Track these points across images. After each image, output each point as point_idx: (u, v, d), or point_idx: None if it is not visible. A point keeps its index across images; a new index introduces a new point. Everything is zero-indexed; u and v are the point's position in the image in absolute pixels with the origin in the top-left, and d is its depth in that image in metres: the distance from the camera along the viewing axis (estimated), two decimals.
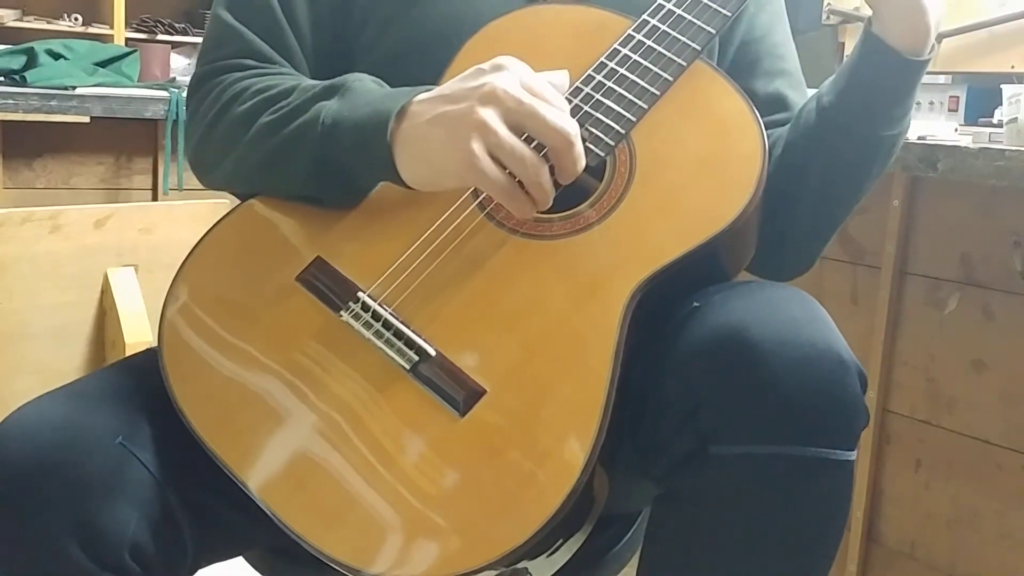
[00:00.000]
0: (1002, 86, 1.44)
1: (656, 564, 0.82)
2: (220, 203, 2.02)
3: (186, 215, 2.26)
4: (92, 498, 0.76)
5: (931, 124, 1.61)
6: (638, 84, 0.87)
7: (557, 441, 0.75)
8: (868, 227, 1.63)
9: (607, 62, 0.88)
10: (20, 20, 3.18)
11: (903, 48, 0.85)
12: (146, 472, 0.79)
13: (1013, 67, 1.58)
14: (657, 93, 0.87)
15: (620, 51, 0.89)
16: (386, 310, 0.82)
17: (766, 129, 0.90)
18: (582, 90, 0.87)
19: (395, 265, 0.84)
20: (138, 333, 2.12)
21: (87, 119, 2.54)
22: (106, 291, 2.19)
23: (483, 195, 0.85)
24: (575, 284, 0.81)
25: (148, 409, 0.82)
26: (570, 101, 0.87)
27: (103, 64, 2.83)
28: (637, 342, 0.79)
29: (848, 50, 1.71)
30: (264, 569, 1.00)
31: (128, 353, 1.41)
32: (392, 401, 0.79)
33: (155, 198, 2.81)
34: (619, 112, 0.86)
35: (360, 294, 0.82)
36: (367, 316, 0.82)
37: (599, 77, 0.88)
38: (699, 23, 0.88)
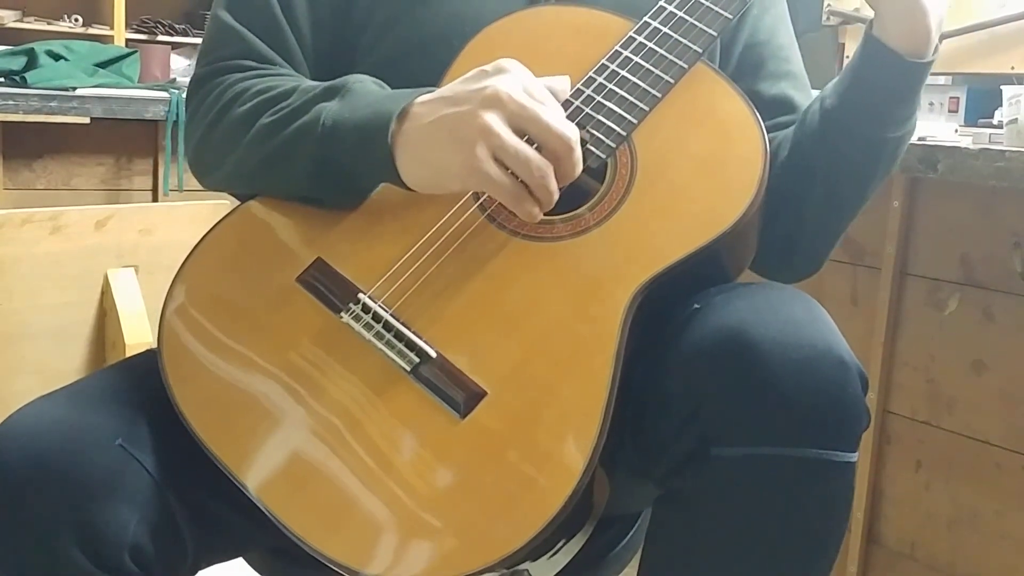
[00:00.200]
0: (1002, 87, 1.44)
1: (657, 565, 0.82)
2: (220, 204, 2.02)
3: (186, 216, 2.26)
4: (92, 499, 0.76)
5: (931, 125, 1.61)
6: (639, 86, 0.87)
7: (557, 443, 0.75)
8: (868, 228, 1.63)
9: (608, 64, 0.88)
10: (20, 21, 3.17)
11: (904, 50, 0.85)
12: (145, 473, 0.79)
13: (1013, 68, 1.58)
14: (658, 95, 0.87)
15: (621, 53, 0.89)
16: (387, 312, 0.82)
17: (771, 131, 0.90)
18: (583, 92, 0.87)
19: (396, 266, 0.84)
20: (138, 334, 2.12)
21: (87, 120, 2.54)
22: (106, 292, 2.19)
23: (484, 196, 0.85)
24: (576, 286, 0.81)
25: (148, 410, 0.82)
26: (571, 103, 0.87)
27: (103, 65, 2.83)
28: (638, 344, 0.79)
29: (848, 51, 1.71)
30: (264, 570, 1.00)
31: (128, 354, 1.41)
32: (392, 403, 0.79)
33: (155, 199, 2.81)
34: (620, 114, 0.86)
35: (361, 295, 0.82)
36: (368, 318, 0.82)
37: (600, 79, 0.88)
38: (700, 25, 0.88)
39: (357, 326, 0.81)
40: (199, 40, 3.22)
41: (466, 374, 0.79)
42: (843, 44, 1.83)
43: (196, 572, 0.86)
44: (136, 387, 0.85)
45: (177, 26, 3.37)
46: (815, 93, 0.96)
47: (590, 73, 0.88)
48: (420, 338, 0.80)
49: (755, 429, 0.73)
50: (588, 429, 0.75)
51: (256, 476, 0.79)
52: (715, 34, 0.88)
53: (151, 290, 2.15)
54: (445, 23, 0.94)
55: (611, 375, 0.76)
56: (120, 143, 2.78)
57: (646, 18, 0.90)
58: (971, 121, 1.64)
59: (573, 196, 0.84)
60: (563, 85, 0.85)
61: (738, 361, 0.74)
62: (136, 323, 2.14)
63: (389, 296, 0.83)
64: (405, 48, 0.94)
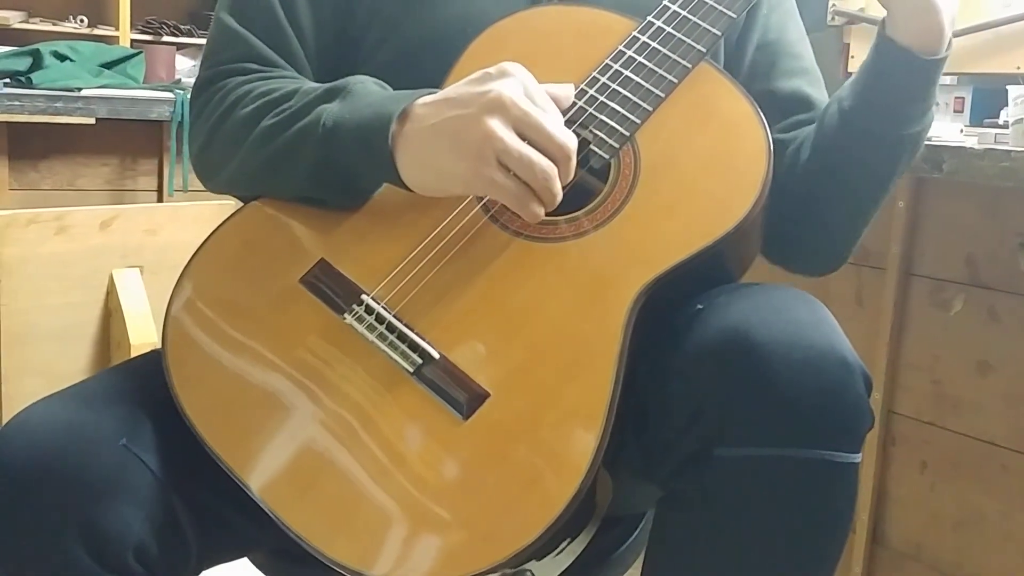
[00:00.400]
0: (1007, 87, 1.43)
1: (660, 566, 0.82)
2: (225, 204, 2.03)
3: (191, 216, 2.27)
4: (95, 499, 0.76)
5: (936, 125, 1.60)
6: (643, 86, 0.87)
7: (561, 443, 0.75)
8: (873, 228, 1.62)
9: (612, 64, 0.88)
10: (26, 22, 3.18)
11: (917, 48, 0.85)
12: (149, 473, 0.79)
13: (1019, 68, 1.57)
14: (662, 95, 0.86)
15: (625, 53, 0.89)
16: (389, 313, 0.82)
17: (789, 129, 0.91)
18: (586, 92, 0.87)
19: (399, 267, 0.84)
20: (143, 334, 2.13)
21: (93, 120, 2.54)
22: (111, 292, 2.19)
23: (487, 198, 0.85)
24: (579, 287, 0.81)
25: (151, 411, 0.82)
26: (574, 103, 0.87)
27: (108, 66, 2.83)
28: (641, 344, 0.79)
29: (853, 51, 1.71)
30: (268, 570, 1.00)
31: (133, 354, 1.41)
32: (396, 404, 0.79)
33: (160, 199, 2.82)
34: (623, 114, 0.86)
35: (364, 296, 0.82)
36: (371, 319, 0.82)
37: (604, 79, 0.88)
38: (704, 25, 0.88)
39: (360, 327, 0.81)
40: (204, 41, 3.22)
41: (469, 375, 0.79)
42: (847, 44, 1.82)
43: (200, 572, 0.86)
44: (140, 387, 0.85)
45: (182, 27, 3.37)
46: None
47: (593, 73, 0.88)
48: (423, 339, 0.80)
49: (758, 430, 0.73)
50: (592, 428, 0.75)
51: (259, 477, 0.79)
52: (719, 33, 0.88)
53: (156, 290, 2.16)
54: (449, 23, 0.94)
55: (615, 375, 0.76)
56: (125, 144, 2.78)
57: (650, 18, 0.90)
58: (976, 121, 1.63)
59: (577, 196, 0.84)
60: (566, 92, 0.85)
61: (741, 362, 0.73)
62: (141, 323, 2.15)
63: (392, 297, 0.83)
64: (409, 48, 0.94)
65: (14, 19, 3.12)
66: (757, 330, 0.74)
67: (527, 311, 0.81)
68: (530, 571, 0.80)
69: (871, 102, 0.88)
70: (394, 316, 0.81)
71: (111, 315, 2.20)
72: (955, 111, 1.68)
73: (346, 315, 0.82)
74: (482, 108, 0.77)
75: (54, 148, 2.68)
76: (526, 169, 0.77)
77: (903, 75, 0.86)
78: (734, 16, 0.88)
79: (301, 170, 0.86)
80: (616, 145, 0.85)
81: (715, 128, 0.86)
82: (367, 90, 0.86)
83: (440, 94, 0.82)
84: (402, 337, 0.80)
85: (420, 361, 0.80)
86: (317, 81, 0.93)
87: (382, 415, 0.79)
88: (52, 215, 2.14)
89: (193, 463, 0.81)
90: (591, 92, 0.87)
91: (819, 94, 1.00)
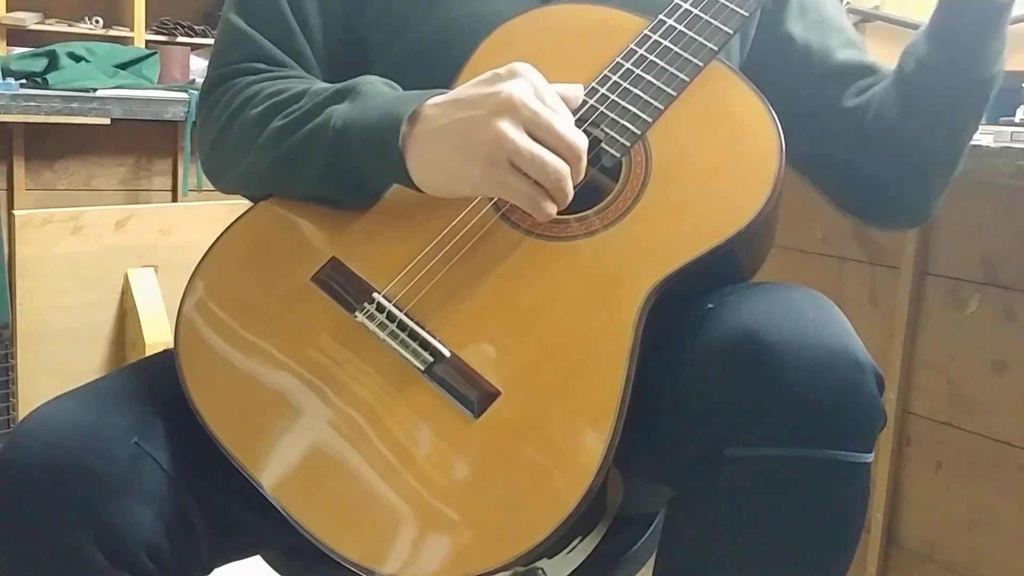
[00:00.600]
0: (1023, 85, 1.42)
1: (671, 566, 0.81)
2: (239, 204, 2.04)
3: (205, 216, 2.28)
4: (108, 497, 0.76)
5: None
6: (654, 85, 0.87)
7: (572, 441, 0.75)
8: None
9: (623, 62, 0.88)
10: (42, 23, 3.20)
11: None
12: (161, 472, 0.79)
13: None
14: (673, 94, 0.86)
15: (636, 51, 0.88)
16: (401, 311, 0.82)
17: (860, 94, 0.95)
18: (598, 91, 0.87)
19: (410, 266, 0.84)
20: (158, 333, 2.14)
21: (108, 121, 2.56)
22: (126, 291, 2.21)
23: (497, 197, 0.85)
24: (590, 285, 0.81)
25: (163, 409, 0.83)
26: (585, 102, 0.86)
27: (124, 66, 2.85)
28: (652, 343, 0.79)
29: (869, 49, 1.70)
30: (281, 568, 1.00)
31: (148, 353, 1.41)
32: (407, 402, 0.79)
33: (175, 199, 2.83)
34: (635, 113, 0.86)
35: (375, 295, 0.82)
36: (382, 317, 0.82)
37: (615, 77, 0.88)
38: (716, 23, 0.88)
39: (371, 325, 0.81)
40: None
41: (480, 373, 0.79)
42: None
43: (212, 570, 0.87)
44: (152, 386, 0.85)
45: (196, 27, 3.38)
46: None
47: (605, 71, 0.88)
48: (434, 337, 0.80)
49: (769, 429, 0.73)
50: (602, 428, 0.74)
51: (271, 474, 0.80)
52: (731, 32, 0.88)
53: (170, 290, 2.17)
54: (458, 22, 0.94)
55: (625, 374, 0.76)
56: (140, 144, 2.79)
57: (661, 16, 0.89)
58: (992, 119, 1.62)
59: (588, 195, 0.84)
60: (576, 92, 0.85)
61: (752, 361, 0.73)
62: (156, 322, 2.16)
63: (403, 295, 0.83)
64: (418, 48, 0.94)
65: (30, 20, 3.14)
66: (768, 329, 0.74)
67: (538, 310, 0.81)
68: (541, 569, 0.80)
69: (948, 44, 0.91)
70: (405, 314, 0.81)
71: (126, 314, 2.21)
72: None
73: (357, 313, 0.82)
74: (492, 109, 0.77)
75: (70, 148, 2.70)
76: (538, 169, 0.77)
77: (975, 10, 0.89)
78: (746, 14, 0.88)
79: (311, 171, 0.86)
80: (627, 143, 0.85)
81: (727, 126, 0.86)
82: (377, 91, 0.86)
83: (450, 95, 0.82)
84: (413, 335, 0.81)
85: (431, 359, 0.80)
86: (326, 81, 0.93)
87: (392, 413, 0.79)
88: (67, 215, 2.16)
89: (205, 461, 0.81)
90: (602, 90, 0.87)
91: (874, 58, 1.03)
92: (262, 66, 0.94)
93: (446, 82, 0.88)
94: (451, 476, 0.77)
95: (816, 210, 1.67)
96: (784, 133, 0.83)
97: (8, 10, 3.14)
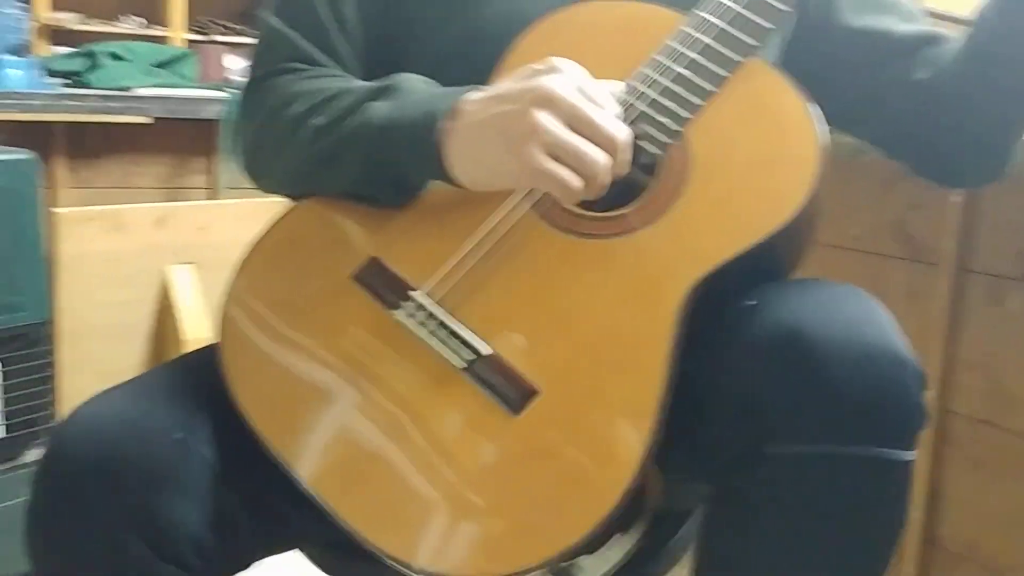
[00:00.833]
0: None
1: (710, 562, 0.81)
2: (275, 202, 2.05)
3: (243, 213, 2.29)
4: (154, 492, 0.77)
5: None
6: (692, 81, 0.86)
7: (611, 440, 0.75)
8: (926, 223, 1.60)
9: (661, 59, 0.88)
10: (82, 23, 3.24)
11: None
12: (205, 466, 0.80)
13: None
14: (712, 90, 0.86)
15: (673, 47, 0.88)
16: (440, 309, 0.82)
17: (922, 65, 0.95)
18: (636, 87, 0.87)
19: (449, 264, 0.84)
20: (197, 330, 2.16)
21: (147, 119, 2.58)
22: (165, 288, 2.23)
23: (538, 195, 0.85)
24: (630, 284, 0.81)
25: (207, 404, 0.84)
26: (624, 99, 0.86)
27: (162, 65, 2.88)
28: (691, 340, 0.79)
29: None
30: (320, 563, 1.01)
31: (187, 350, 1.43)
32: (446, 400, 0.80)
33: (213, 197, 2.85)
34: (674, 109, 0.85)
35: (414, 293, 0.83)
36: (421, 315, 0.82)
37: (653, 74, 0.87)
38: (755, 18, 0.87)
39: (411, 323, 0.82)
40: (254, 40, 3.25)
41: (519, 371, 0.79)
42: None
43: (253, 563, 0.88)
44: (195, 381, 0.86)
45: (234, 27, 3.41)
46: None
47: (642, 68, 0.88)
48: (474, 335, 0.81)
49: (811, 427, 0.72)
50: (641, 426, 0.75)
51: (310, 468, 0.80)
52: (770, 27, 0.87)
53: (209, 286, 2.19)
54: (495, 20, 0.94)
55: (665, 372, 0.76)
56: (179, 142, 2.82)
57: (699, 11, 0.89)
58: None
59: (625, 192, 0.84)
60: (618, 89, 0.85)
61: (794, 359, 0.73)
62: (195, 319, 2.18)
63: (442, 294, 0.83)
64: (457, 45, 0.94)
65: (71, 20, 3.18)
66: (810, 326, 0.73)
67: (577, 308, 0.81)
68: (579, 565, 0.80)
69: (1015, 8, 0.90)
70: (445, 312, 0.82)
71: (165, 311, 2.23)
72: None
73: (397, 311, 0.83)
74: (530, 103, 0.77)
75: (110, 147, 2.73)
76: (577, 160, 0.77)
77: None
78: (786, 9, 0.87)
79: (350, 169, 0.87)
80: (666, 140, 0.85)
81: (767, 123, 0.85)
82: (414, 88, 0.87)
83: (488, 90, 0.82)
84: (453, 333, 0.81)
85: (470, 357, 0.80)
86: (364, 79, 0.94)
87: (431, 410, 0.80)
88: (108, 213, 2.18)
89: (248, 456, 0.82)
90: (641, 87, 0.87)
91: (935, 27, 1.02)
92: (301, 66, 0.95)
93: (483, 79, 0.88)
94: (489, 474, 0.77)
95: (852, 207, 1.66)
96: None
97: (54, 10, 3.18)
